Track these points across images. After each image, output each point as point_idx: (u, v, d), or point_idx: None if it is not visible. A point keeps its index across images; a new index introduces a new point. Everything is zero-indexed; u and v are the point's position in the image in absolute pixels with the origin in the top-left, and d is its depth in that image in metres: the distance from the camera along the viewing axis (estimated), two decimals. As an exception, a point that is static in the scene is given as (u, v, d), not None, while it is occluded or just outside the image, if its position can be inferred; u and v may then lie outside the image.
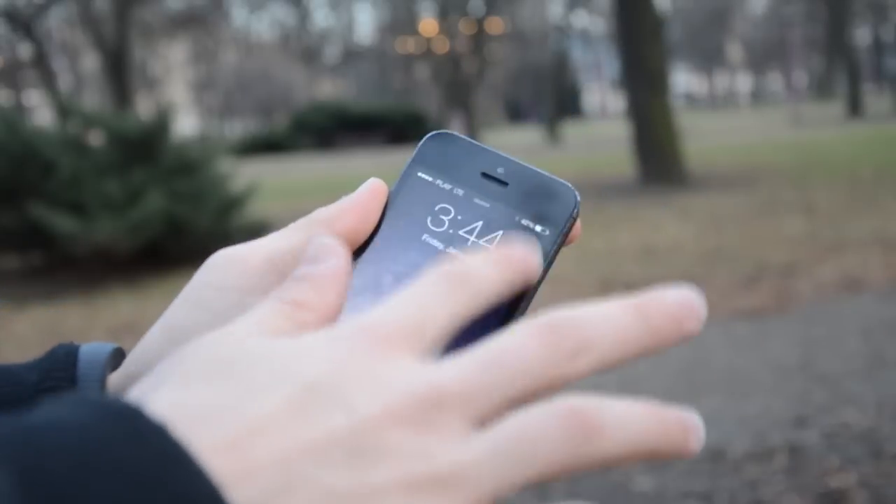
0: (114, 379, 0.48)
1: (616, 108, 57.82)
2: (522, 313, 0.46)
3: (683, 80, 70.84)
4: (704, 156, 16.76)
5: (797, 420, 3.89)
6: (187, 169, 9.85)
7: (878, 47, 59.19)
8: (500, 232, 0.48)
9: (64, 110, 10.08)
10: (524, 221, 0.49)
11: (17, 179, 9.21)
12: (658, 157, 13.68)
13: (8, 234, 9.34)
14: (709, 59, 68.37)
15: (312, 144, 38.97)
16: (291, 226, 0.49)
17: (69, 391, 0.46)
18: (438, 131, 0.52)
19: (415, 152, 0.51)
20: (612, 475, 3.46)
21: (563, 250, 0.51)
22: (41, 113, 33.65)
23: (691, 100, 71.50)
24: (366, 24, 79.01)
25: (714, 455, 3.58)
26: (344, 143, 38.49)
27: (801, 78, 47.92)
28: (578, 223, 0.50)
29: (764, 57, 64.12)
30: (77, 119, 10.00)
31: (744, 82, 74.16)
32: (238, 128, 55.78)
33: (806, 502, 3.12)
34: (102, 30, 27.35)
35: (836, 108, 36.68)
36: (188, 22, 38.09)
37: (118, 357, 0.50)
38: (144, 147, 9.63)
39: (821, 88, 57.65)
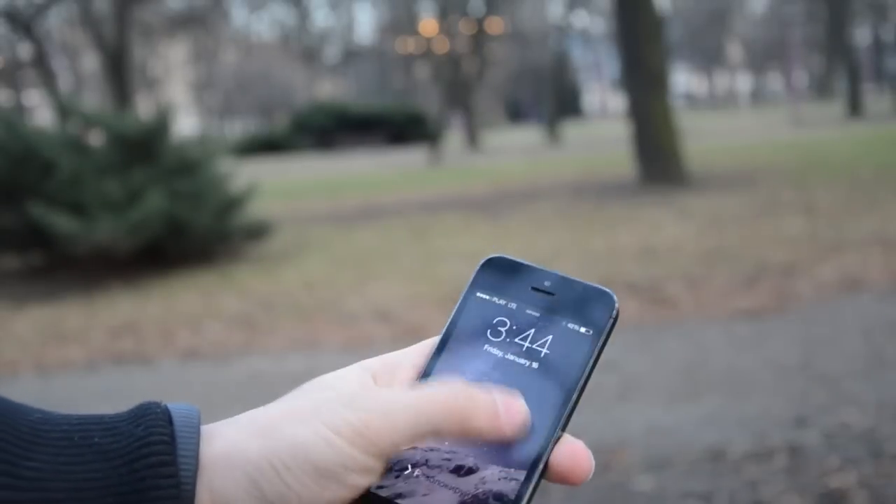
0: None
1: (616, 108, 57.79)
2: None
3: (683, 80, 70.75)
4: (704, 156, 16.75)
5: (797, 420, 3.89)
6: (187, 169, 9.84)
7: (878, 47, 59.09)
8: (551, 336, 0.56)
9: (64, 110, 10.07)
10: (570, 325, 0.56)
11: (17, 179, 9.20)
12: (658, 157, 13.67)
13: (8, 234, 9.34)
14: (709, 59, 68.29)
15: (312, 144, 38.93)
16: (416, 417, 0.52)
17: (170, 445, 0.49)
18: (491, 257, 0.60)
19: (472, 276, 0.59)
20: (611, 475, 3.47)
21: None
22: (41, 113, 33.63)
23: (691, 100, 71.41)
24: (366, 24, 79.07)
25: (714, 455, 3.58)
26: (344, 143, 38.45)
27: (801, 78, 47.92)
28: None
29: (764, 57, 64.03)
30: (77, 119, 9.99)
31: (744, 82, 74.07)
32: (238, 128, 55.72)
33: (806, 502, 3.12)
34: (102, 30, 27.32)
35: (836, 108, 36.66)
36: (188, 22, 38.01)
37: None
38: (144, 147, 9.62)
39: (821, 88, 57.58)
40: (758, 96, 71.08)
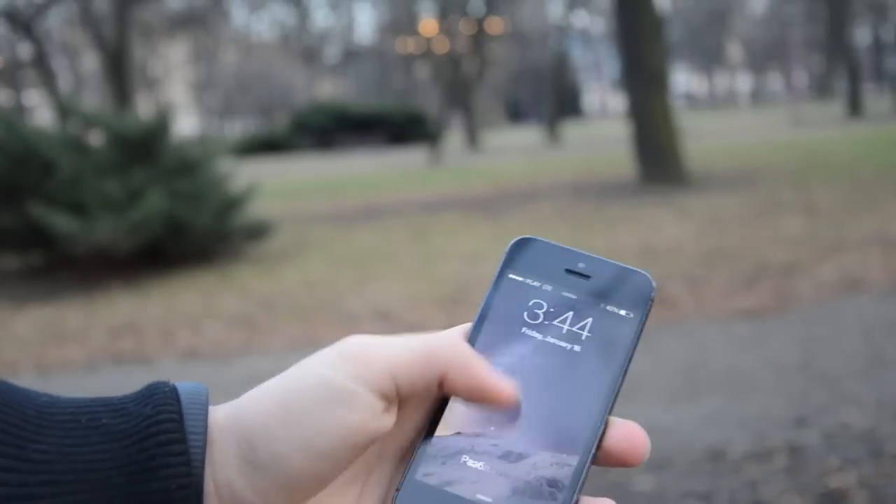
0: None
1: (616, 108, 57.79)
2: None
3: (683, 80, 70.75)
4: (704, 156, 16.75)
5: (797, 420, 3.89)
6: (187, 169, 9.84)
7: (878, 47, 59.09)
8: (590, 319, 0.54)
9: (64, 110, 10.07)
10: (609, 308, 0.55)
11: (17, 179, 9.20)
12: (658, 157, 13.67)
13: (8, 234, 9.34)
14: (709, 59, 68.31)
15: (312, 144, 38.93)
16: (413, 345, 0.51)
17: (179, 423, 0.49)
18: (521, 238, 0.58)
19: (503, 257, 0.57)
20: (611, 475, 3.46)
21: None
22: (41, 113, 33.63)
23: (691, 100, 71.41)
24: (366, 24, 79.05)
25: (714, 455, 3.58)
26: (344, 143, 38.45)
27: (801, 78, 47.91)
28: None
29: (764, 57, 64.04)
30: (77, 119, 9.99)
31: (744, 82, 74.07)
32: (238, 128, 55.73)
33: (806, 502, 3.12)
34: (102, 30, 27.32)
35: (836, 108, 36.65)
36: (188, 22, 38.01)
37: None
38: (144, 147, 9.62)
39: (821, 88, 57.56)
40: (758, 96, 71.08)
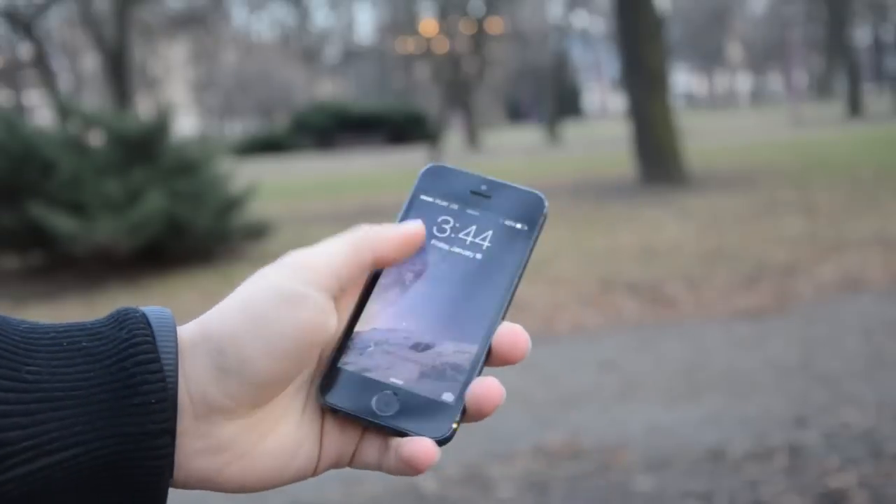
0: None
1: (616, 108, 57.74)
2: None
3: (683, 80, 70.72)
4: (704, 156, 16.75)
5: (797, 420, 3.89)
6: (187, 169, 9.84)
7: (878, 47, 59.08)
8: (490, 232, 0.62)
9: (64, 110, 10.07)
10: (507, 222, 0.62)
11: (17, 179, 9.20)
12: (658, 157, 13.67)
13: (8, 234, 9.34)
14: (709, 59, 68.29)
15: (312, 144, 38.91)
16: (342, 245, 0.60)
17: (153, 345, 0.54)
18: (430, 165, 0.65)
19: (415, 182, 0.64)
20: (611, 475, 3.47)
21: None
22: (41, 113, 33.61)
23: (691, 100, 71.40)
24: (366, 24, 79.00)
25: (714, 455, 3.58)
26: (344, 143, 38.44)
27: (801, 78, 47.87)
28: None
29: (764, 57, 64.06)
30: (77, 119, 9.99)
31: (744, 82, 74.07)
32: (238, 128, 55.72)
33: (806, 502, 3.12)
34: (102, 30, 27.31)
35: (836, 108, 36.66)
36: (188, 22, 38.00)
37: None
38: (144, 147, 9.62)
39: (821, 88, 57.56)
40: (758, 96, 71.08)
